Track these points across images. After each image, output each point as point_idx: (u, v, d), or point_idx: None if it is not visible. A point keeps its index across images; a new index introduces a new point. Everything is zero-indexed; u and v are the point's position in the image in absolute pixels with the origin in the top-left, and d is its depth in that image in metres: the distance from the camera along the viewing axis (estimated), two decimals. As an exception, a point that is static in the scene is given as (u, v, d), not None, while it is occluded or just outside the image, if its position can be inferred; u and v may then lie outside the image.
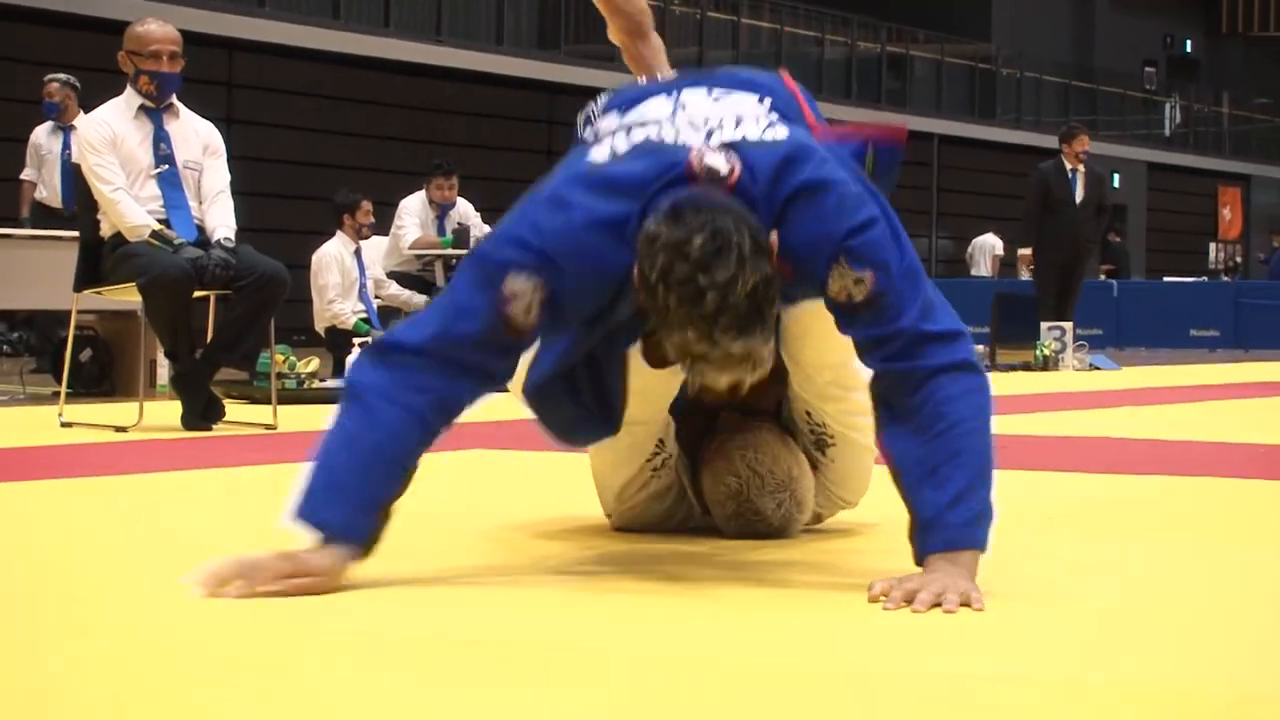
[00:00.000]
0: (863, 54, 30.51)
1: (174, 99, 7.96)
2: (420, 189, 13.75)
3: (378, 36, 21.54)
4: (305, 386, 9.80)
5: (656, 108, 3.69)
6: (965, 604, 3.19)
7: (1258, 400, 11.21)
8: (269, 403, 8.21)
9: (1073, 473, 6.01)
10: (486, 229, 13.83)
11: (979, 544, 3.34)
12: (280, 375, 9.20)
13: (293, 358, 9.95)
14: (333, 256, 12.28)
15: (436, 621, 3.13)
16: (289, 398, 9.18)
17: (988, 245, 28.48)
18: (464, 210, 13.80)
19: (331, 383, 10.25)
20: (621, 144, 3.54)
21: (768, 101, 3.72)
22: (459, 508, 4.78)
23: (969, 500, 3.34)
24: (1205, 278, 31.10)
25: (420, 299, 13.17)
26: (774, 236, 3.36)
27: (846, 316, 3.46)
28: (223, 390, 8.48)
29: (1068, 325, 15.54)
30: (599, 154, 3.55)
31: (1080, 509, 4.97)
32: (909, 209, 30.50)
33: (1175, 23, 42.52)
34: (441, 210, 13.68)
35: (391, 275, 13.23)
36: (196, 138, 7.97)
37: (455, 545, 4.04)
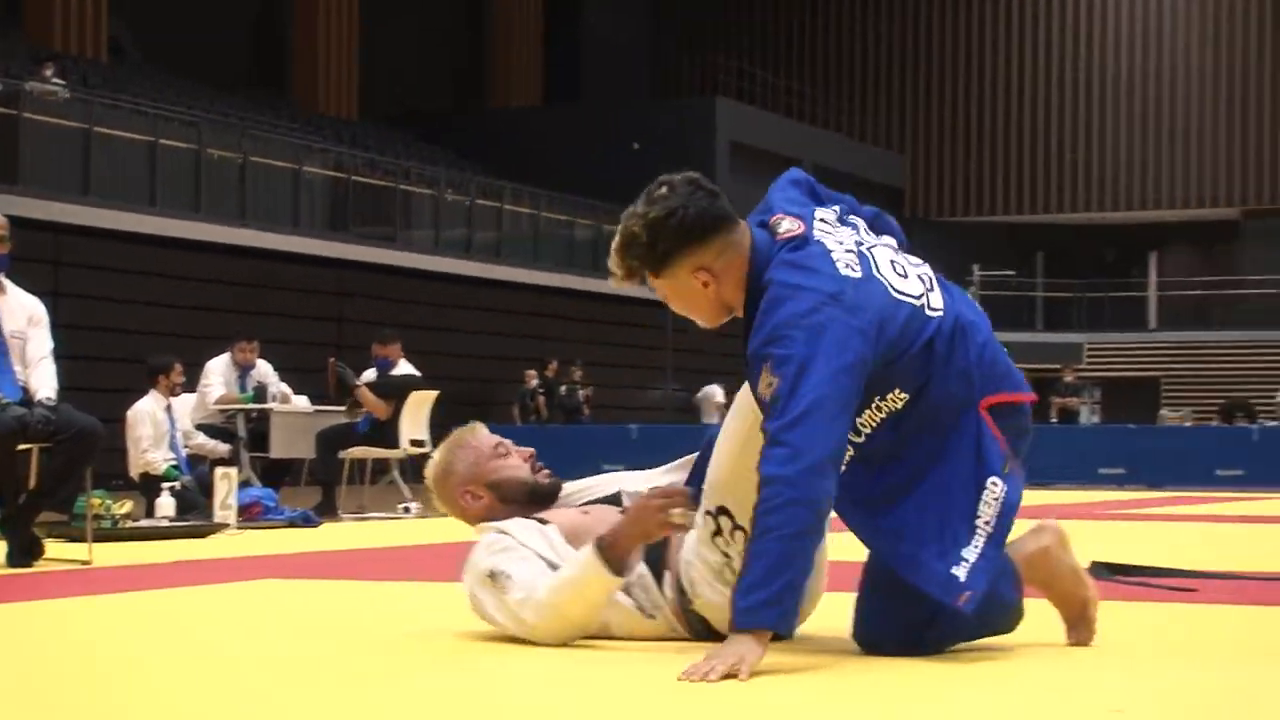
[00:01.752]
0: (608, 234, 30.61)
1: (2, 277, 7.77)
2: (225, 351, 13.60)
3: (188, 220, 21.33)
4: (119, 527, 9.55)
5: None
6: (730, 674, 3.47)
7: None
8: (85, 541, 7.99)
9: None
10: (284, 387, 13.70)
11: (761, 624, 3.59)
12: (97, 516, 8.97)
13: (109, 501, 9.69)
14: (146, 412, 12.05)
15: None
16: (104, 536, 8.94)
17: (712, 394, 28.90)
18: (264, 370, 13.67)
19: (144, 523, 10.02)
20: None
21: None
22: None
23: (757, 591, 3.58)
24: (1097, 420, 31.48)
25: (224, 447, 12.99)
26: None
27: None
28: (44, 531, 8.23)
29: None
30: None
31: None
32: (646, 365, 30.74)
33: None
34: (243, 370, 13.55)
35: (199, 427, 13.05)
36: (22, 310, 7.78)
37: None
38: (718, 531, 4.02)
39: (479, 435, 4.48)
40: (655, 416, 30.33)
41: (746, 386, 3.90)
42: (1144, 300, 41.90)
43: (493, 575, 4.11)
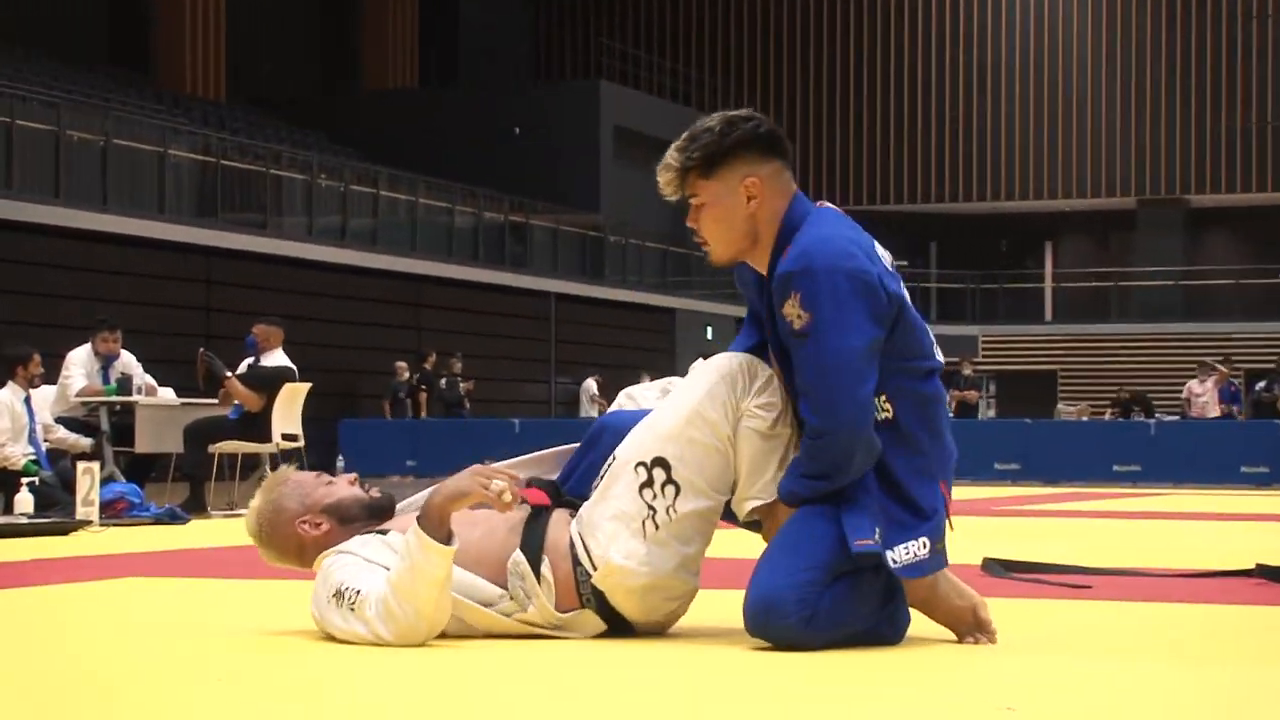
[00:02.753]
0: (488, 222, 30.73)
1: None
2: (87, 342, 13.47)
3: (48, 205, 21.09)
4: (-24, 524, 9.43)
5: None
6: None
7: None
8: (-60, 540, 7.89)
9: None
10: (149, 379, 13.58)
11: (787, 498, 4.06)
12: (-48, 514, 8.85)
13: (-36, 498, 9.56)
14: (3, 404, 11.89)
15: None
16: (-40, 535, 8.82)
17: (588, 387, 29.21)
18: (127, 361, 13.55)
19: (1, 520, 9.90)
20: None
21: None
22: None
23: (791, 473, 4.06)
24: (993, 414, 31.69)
25: (87, 441, 12.86)
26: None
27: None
28: (-104, 529, 8.12)
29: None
30: None
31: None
32: (532, 358, 30.75)
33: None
34: (106, 361, 13.42)
35: (59, 420, 12.93)
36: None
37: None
38: (648, 483, 4.09)
39: (296, 473, 4.50)
40: (539, 410, 30.33)
41: (698, 368, 4.17)
42: (1040, 291, 42.46)
43: (339, 594, 4.11)
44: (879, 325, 4.02)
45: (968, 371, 29.10)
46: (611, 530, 4.12)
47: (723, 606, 4.51)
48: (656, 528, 4.09)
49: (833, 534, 4.01)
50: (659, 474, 4.10)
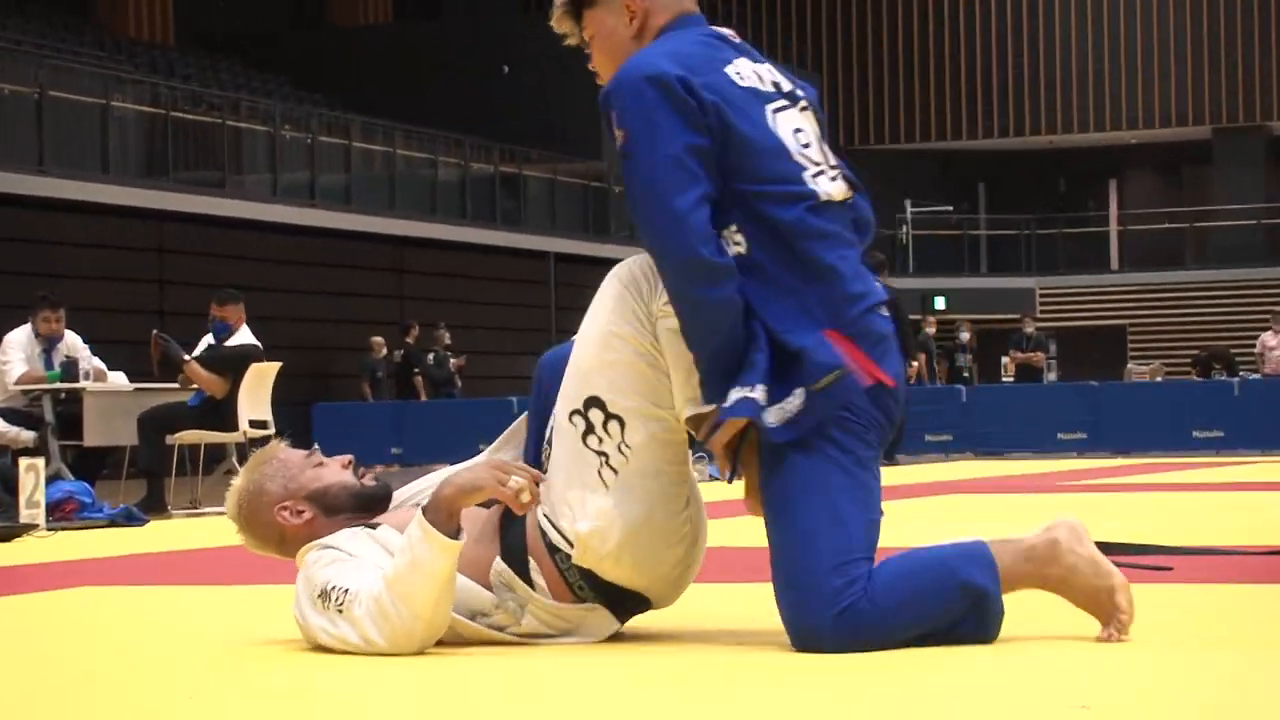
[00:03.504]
0: (476, 174, 30.73)
1: None
2: (25, 322, 13.49)
3: (-25, 168, 21.12)
4: (-93, 531, 9.46)
5: None
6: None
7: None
8: None
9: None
10: (97, 362, 13.61)
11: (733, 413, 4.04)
12: (-120, 521, 8.88)
13: (-107, 502, 9.60)
14: (-66, 395, 11.95)
15: None
16: (-110, 544, 8.86)
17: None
18: (72, 343, 13.58)
19: (-64, 526, 9.93)
20: None
21: None
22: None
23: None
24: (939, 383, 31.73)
25: (29, 435, 12.90)
26: None
27: None
28: None
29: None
30: None
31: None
32: (527, 327, 30.75)
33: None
34: (49, 343, 13.45)
35: (-3, 412, 12.96)
36: None
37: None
38: (588, 429, 4.12)
39: (285, 450, 4.50)
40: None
41: (598, 303, 4.21)
42: (1104, 236, 42.40)
43: (324, 594, 4.11)
44: (694, 131, 4.06)
45: (1030, 330, 29.05)
46: (574, 499, 4.13)
47: (744, 600, 4.52)
48: (615, 472, 4.11)
49: (844, 504, 4.00)
50: (596, 415, 4.12)
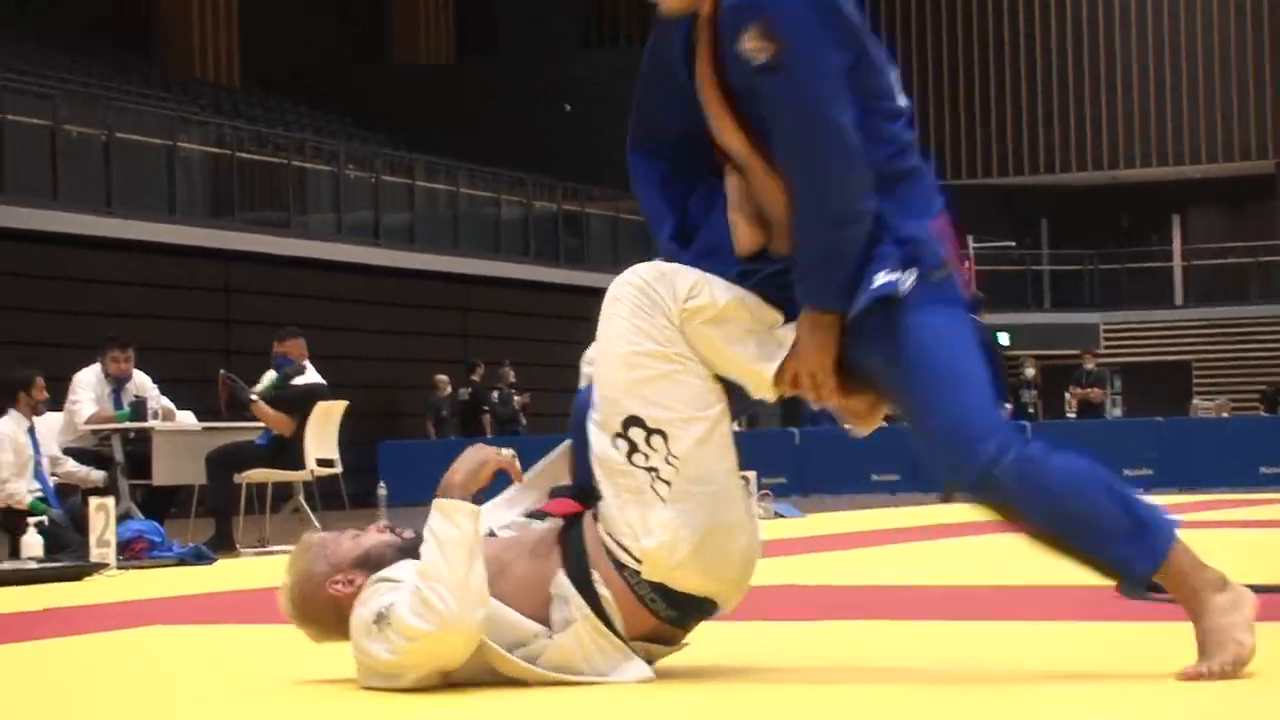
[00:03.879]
0: (539, 213, 30.79)
1: None
2: (95, 362, 13.56)
3: (45, 210, 21.24)
4: (-21, 571, 9.52)
5: None
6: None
7: (938, 542, 11.42)
8: (-60, 589, 7.98)
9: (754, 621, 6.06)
10: (166, 402, 13.67)
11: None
12: (-48, 560, 8.94)
13: (-35, 541, 9.66)
14: (5, 435, 11.99)
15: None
16: (-38, 583, 8.92)
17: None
18: (141, 382, 13.64)
19: (7, 565, 9.98)
20: None
21: None
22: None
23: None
24: (883, 423, 31.66)
25: (99, 474, 12.95)
26: None
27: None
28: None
29: (750, 474, 15.70)
30: None
31: (757, 657, 4.99)
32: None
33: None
34: (118, 383, 13.51)
35: (68, 451, 13.01)
36: None
37: None
38: (633, 449, 4.16)
39: (321, 533, 4.52)
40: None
41: (608, 327, 4.23)
42: (1168, 271, 42.15)
43: (379, 618, 4.12)
44: (848, 49, 4.12)
45: (1090, 366, 28.91)
46: (634, 517, 4.16)
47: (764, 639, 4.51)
48: (669, 484, 4.15)
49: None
50: (637, 434, 4.17)
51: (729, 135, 4.25)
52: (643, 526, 4.15)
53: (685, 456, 4.15)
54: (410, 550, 4.34)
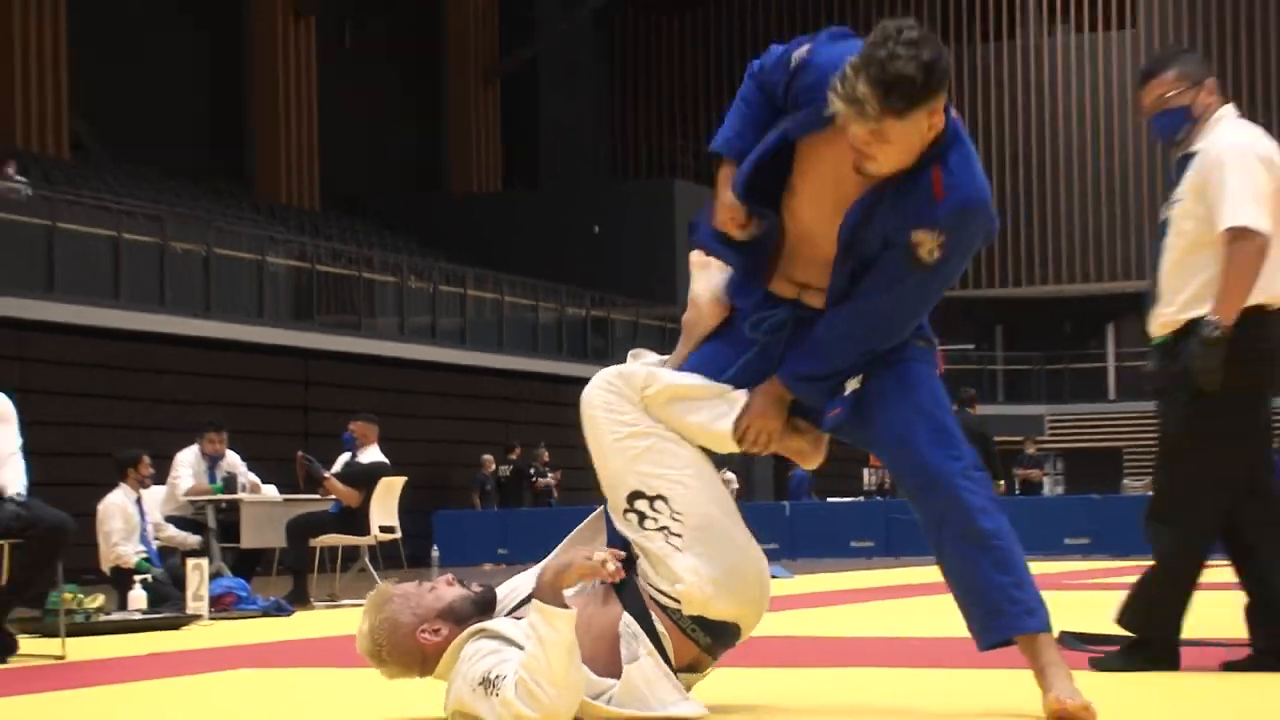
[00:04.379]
0: (571, 318, 30.84)
1: (-31, 374, 7.76)
2: (193, 444, 13.55)
3: (154, 314, 21.30)
4: (91, 620, 9.48)
5: None
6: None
7: (910, 600, 11.36)
8: (59, 635, 7.93)
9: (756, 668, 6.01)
10: (253, 477, 13.66)
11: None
12: (69, 611, 8.91)
13: (81, 595, 9.62)
14: (116, 505, 11.99)
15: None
16: (78, 630, 8.87)
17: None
18: (232, 460, 13.63)
19: (117, 616, 9.95)
20: None
21: None
22: None
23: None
24: (861, 497, 31.59)
25: (194, 539, 12.92)
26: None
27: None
28: (17, 627, 8.15)
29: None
30: None
31: (764, 699, 4.95)
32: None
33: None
34: (213, 461, 13.50)
35: (169, 519, 12.99)
36: (-11, 408, 7.75)
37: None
38: (642, 518, 4.20)
39: (397, 586, 4.46)
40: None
41: (590, 433, 4.31)
42: (1103, 371, 42.10)
43: (485, 682, 4.05)
44: None
45: (1031, 450, 28.96)
46: (663, 570, 4.18)
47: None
48: (680, 535, 4.18)
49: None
50: (642, 504, 4.21)
51: (827, 221, 4.19)
52: (672, 575, 4.16)
53: (686, 510, 4.19)
54: (483, 606, 4.32)
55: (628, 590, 4.22)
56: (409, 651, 4.29)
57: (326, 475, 13.23)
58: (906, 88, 3.92)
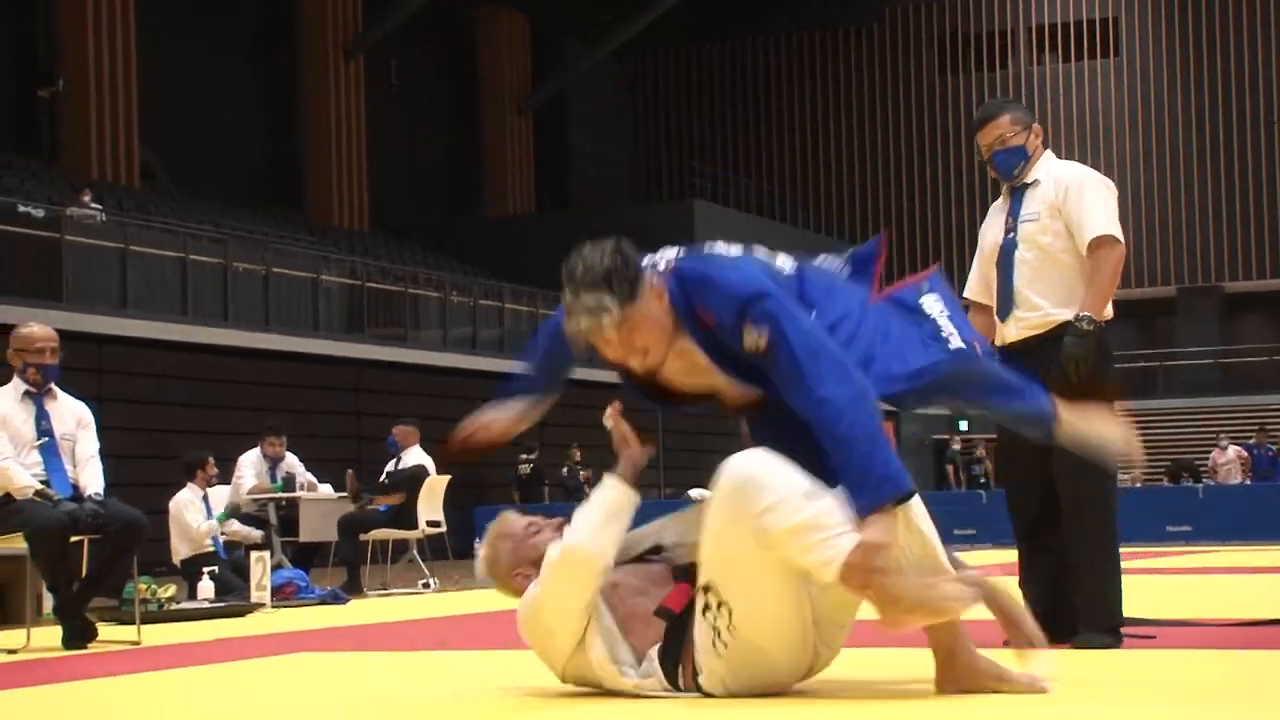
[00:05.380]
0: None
1: (53, 385, 7.80)
2: (255, 446, 13.60)
3: (218, 328, 21.38)
4: (164, 609, 9.51)
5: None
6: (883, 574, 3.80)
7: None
8: (134, 623, 7.97)
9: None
10: (310, 477, 13.69)
11: (891, 495, 3.87)
12: (144, 600, 8.95)
13: (154, 586, 9.66)
14: (186, 502, 12.04)
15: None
16: (151, 618, 8.92)
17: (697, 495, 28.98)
18: (291, 462, 13.67)
19: (187, 604, 9.99)
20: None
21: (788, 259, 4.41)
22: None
23: (868, 476, 3.85)
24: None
25: (257, 533, 12.97)
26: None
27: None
28: (96, 615, 8.19)
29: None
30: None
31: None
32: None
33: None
34: (273, 463, 13.54)
35: (235, 516, 13.02)
36: (71, 415, 7.80)
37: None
38: (706, 607, 3.96)
39: (511, 523, 4.49)
40: (648, 494, 30.23)
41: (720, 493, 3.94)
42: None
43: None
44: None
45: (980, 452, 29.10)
46: (700, 659, 4.00)
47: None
48: (726, 645, 3.97)
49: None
50: (712, 598, 3.97)
51: (733, 397, 4.18)
52: (703, 663, 3.99)
53: (741, 626, 3.92)
54: None
55: (675, 636, 4.04)
56: (504, 586, 4.41)
57: (369, 497, 13.37)
58: (621, 270, 4.01)
